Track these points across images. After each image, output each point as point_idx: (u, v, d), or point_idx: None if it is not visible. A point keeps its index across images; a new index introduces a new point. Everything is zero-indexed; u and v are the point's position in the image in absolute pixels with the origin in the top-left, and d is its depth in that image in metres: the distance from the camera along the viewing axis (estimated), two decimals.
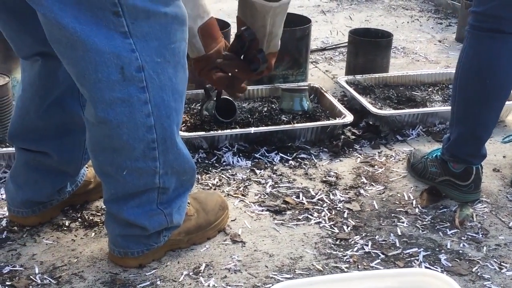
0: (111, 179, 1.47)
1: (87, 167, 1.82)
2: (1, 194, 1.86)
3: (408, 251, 1.69)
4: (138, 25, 1.30)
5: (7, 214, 1.75)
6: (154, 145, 1.41)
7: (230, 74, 1.77)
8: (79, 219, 1.76)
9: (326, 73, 2.97)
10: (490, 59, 1.75)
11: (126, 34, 1.29)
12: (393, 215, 1.85)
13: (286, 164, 2.11)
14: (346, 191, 1.96)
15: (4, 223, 1.74)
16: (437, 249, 1.70)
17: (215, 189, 1.94)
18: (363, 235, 1.75)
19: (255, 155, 2.14)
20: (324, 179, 2.02)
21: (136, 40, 1.30)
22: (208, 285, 1.54)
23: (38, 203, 1.71)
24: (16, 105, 1.63)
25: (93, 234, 1.71)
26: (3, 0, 1.42)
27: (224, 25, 2.52)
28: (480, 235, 1.77)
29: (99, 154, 1.45)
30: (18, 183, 1.68)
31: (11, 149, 1.96)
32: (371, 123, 2.34)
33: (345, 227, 1.78)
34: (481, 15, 1.73)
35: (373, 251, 1.68)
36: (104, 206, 1.57)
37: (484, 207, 1.90)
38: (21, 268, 1.57)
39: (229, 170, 2.05)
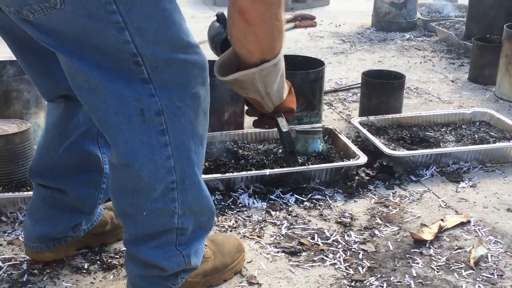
0: (131, 220, 1.50)
1: (104, 208, 1.86)
2: (22, 237, 1.90)
3: None
4: (159, 72, 1.33)
5: (28, 257, 1.79)
6: (173, 185, 1.44)
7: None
8: (97, 262, 1.79)
9: (340, 114, 3.01)
10: None
11: (146, 80, 1.33)
12: (408, 256, 1.86)
13: (301, 205, 2.13)
14: (361, 232, 1.98)
15: (25, 266, 1.77)
16: None
17: (231, 231, 1.97)
18: (378, 276, 1.76)
19: (270, 196, 2.16)
20: (339, 220, 2.04)
21: (157, 85, 1.34)
22: None
23: (52, 239, 1.75)
24: (38, 143, 1.70)
25: (112, 276, 1.74)
26: (29, 44, 1.46)
27: None
28: (496, 276, 1.77)
29: (121, 196, 1.48)
30: (34, 218, 1.73)
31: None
32: (385, 163, 2.37)
33: (360, 268, 1.79)
34: None
35: None
36: (124, 248, 1.60)
37: (499, 247, 1.90)
38: None
39: (245, 212, 2.08)
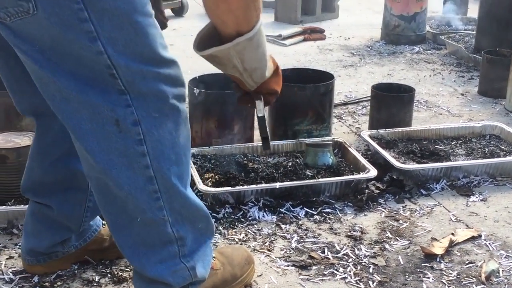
0: (126, 231, 1.48)
1: (103, 225, 1.87)
2: None
3: None
4: (134, 85, 1.33)
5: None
6: (157, 195, 1.42)
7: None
8: (108, 275, 1.80)
9: (350, 128, 3.01)
10: None
11: (123, 91, 1.33)
12: (418, 270, 1.85)
13: (311, 218, 2.13)
14: (371, 246, 1.97)
15: (36, 279, 1.78)
16: None
17: (241, 244, 1.97)
18: None
19: (280, 209, 2.16)
20: (349, 233, 2.04)
21: (133, 96, 1.33)
22: None
23: (41, 254, 1.77)
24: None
25: None
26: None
27: None
28: None
29: (109, 208, 1.47)
30: (26, 231, 1.76)
31: None
32: (395, 177, 2.37)
33: (370, 282, 1.79)
34: None
35: None
36: None
37: (510, 262, 1.89)
38: None
39: (255, 225, 2.08)
